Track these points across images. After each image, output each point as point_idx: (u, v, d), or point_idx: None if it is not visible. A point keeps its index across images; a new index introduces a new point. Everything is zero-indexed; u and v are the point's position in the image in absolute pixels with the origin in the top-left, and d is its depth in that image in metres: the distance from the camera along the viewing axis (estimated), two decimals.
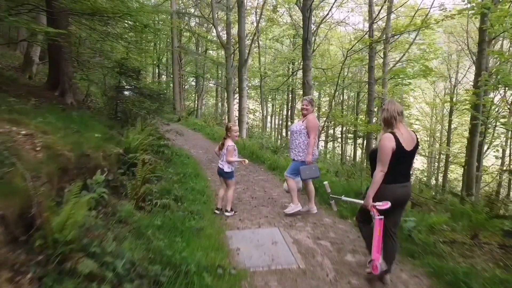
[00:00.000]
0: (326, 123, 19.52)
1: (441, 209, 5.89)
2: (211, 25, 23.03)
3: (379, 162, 3.37)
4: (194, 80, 32.01)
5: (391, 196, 3.41)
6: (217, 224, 4.94)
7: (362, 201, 3.66)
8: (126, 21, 8.20)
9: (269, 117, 36.37)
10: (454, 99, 25.04)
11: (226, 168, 5.65)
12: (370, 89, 16.96)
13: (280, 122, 37.06)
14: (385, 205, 3.40)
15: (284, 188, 6.09)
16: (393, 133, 3.34)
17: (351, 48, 13.28)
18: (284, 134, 33.72)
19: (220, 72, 30.19)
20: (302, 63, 13.26)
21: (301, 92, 28.99)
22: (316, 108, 26.37)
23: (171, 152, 8.37)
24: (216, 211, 5.66)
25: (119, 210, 4.35)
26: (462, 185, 19.76)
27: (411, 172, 3.71)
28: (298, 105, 31.61)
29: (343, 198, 4.14)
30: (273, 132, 36.98)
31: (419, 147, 3.69)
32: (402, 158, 3.37)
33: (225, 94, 21.90)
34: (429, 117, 31.63)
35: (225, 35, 20.52)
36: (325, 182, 4.54)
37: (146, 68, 37.41)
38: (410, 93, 26.24)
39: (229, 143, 5.72)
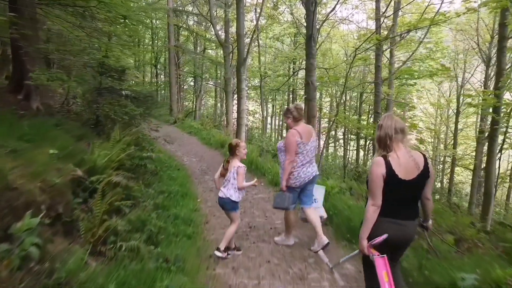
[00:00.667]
0: (331, 125, 18.03)
1: (490, 245, 4.54)
2: (210, 23, 21.64)
3: (369, 193, 2.68)
4: (193, 80, 30.64)
5: (383, 233, 2.63)
6: (200, 280, 3.57)
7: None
8: (103, 13, 6.83)
9: (269, 118, 35.01)
10: (461, 99, 23.91)
11: (235, 197, 4.21)
12: (376, 90, 15.58)
13: (281, 123, 35.71)
14: (381, 237, 2.61)
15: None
16: (385, 157, 2.63)
17: (361, 45, 11.91)
18: (284, 135, 32.39)
19: (219, 72, 28.82)
20: (305, 62, 11.91)
21: (302, 93, 27.74)
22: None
23: (155, 165, 6.99)
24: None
25: (59, 268, 3.00)
26: (471, 190, 18.60)
27: (417, 209, 2.83)
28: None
29: (341, 260, 3.33)
30: (273, 133, 35.64)
31: (430, 176, 2.72)
32: (397, 188, 2.61)
33: (224, 94, 20.64)
34: (433, 118, 30.26)
35: (224, 33, 19.21)
36: (320, 252, 3.57)
37: (144, 68, 36.36)
38: (415, 93, 24.98)
39: (238, 163, 4.28)
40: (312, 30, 11.01)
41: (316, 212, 4.58)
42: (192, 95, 32.48)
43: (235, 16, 15.49)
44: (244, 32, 16.15)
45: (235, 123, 15.73)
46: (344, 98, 27.62)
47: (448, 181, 24.08)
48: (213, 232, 5.00)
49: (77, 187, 4.36)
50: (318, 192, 4.83)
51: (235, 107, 17.14)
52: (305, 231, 4.91)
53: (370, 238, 2.68)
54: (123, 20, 7.13)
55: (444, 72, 15.13)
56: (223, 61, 19.75)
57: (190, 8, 24.75)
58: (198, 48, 28.93)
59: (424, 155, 2.73)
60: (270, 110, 35.13)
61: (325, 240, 4.39)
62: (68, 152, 4.69)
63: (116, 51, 8.05)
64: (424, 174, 2.66)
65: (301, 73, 25.84)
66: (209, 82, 29.78)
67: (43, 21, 8.62)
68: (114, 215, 4.28)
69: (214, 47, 27.65)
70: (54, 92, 10.52)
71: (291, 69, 25.77)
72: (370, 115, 29.56)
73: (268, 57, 29.40)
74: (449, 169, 26.52)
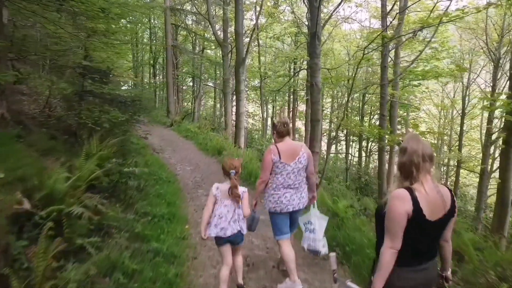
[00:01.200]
0: (337, 129, 16.92)
1: None
2: (208, 22, 20.61)
3: (387, 233, 2.09)
4: (191, 81, 29.59)
5: (402, 285, 2.14)
6: None
7: None
8: (79, 5, 5.82)
9: (269, 119, 33.95)
10: (466, 100, 22.92)
11: (245, 228, 3.51)
12: (382, 92, 14.59)
13: None
14: None
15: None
16: (411, 190, 2.05)
17: (369, 43, 10.91)
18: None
19: (218, 72, 27.77)
20: (306, 62, 10.93)
21: (303, 93, 26.72)
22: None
23: (138, 182, 5.94)
24: None
25: None
26: (479, 195, 17.64)
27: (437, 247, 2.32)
28: (300, 107, 29.28)
29: (348, 283, 2.48)
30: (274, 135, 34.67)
31: (455, 214, 2.21)
32: (422, 230, 2.07)
33: (223, 96, 19.61)
34: (437, 120, 29.24)
35: (222, 32, 18.20)
36: (332, 254, 2.56)
37: (142, 68, 35.41)
38: (419, 94, 24.03)
39: (242, 188, 3.47)
40: (316, 28, 10.06)
41: (290, 247, 3.77)
42: (191, 96, 31.47)
43: (234, 14, 14.52)
44: (244, 31, 15.17)
45: (234, 125, 14.77)
46: (346, 99, 26.63)
47: (453, 184, 23.05)
48: (201, 272, 3.98)
49: (27, 222, 3.38)
50: (319, 221, 3.97)
51: (234, 108, 16.19)
52: (316, 273, 3.91)
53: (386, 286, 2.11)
54: (103, 15, 6.10)
55: (461, 71, 14.17)
56: (222, 61, 18.73)
57: (189, 7, 23.75)
58: (197, 48, 27.90)
59: (450, 190, 2.23)
60: (270, 111, 34.13)
61: (298, 285, 3.66)
62: (20, 175, 3.70)
63: (99, 50, 7.08)
64: (451, 214, 2.17)
65: (302, 74, 24.90)
66: (207, 83, 28.73)
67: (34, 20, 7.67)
68: (72, 259, 3.30)
69: (213, 47, 26.65)
70: (40, 95, 9.57)
71: (292, 70, 24.78)
72: (372, 116, 28.55)
73: (268, 57, 28.38)
74: (453, 172, 25.62)
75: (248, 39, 15.94)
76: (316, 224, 3.87)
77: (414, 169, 2.08)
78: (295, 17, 20.05)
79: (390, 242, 2.07)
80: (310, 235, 3.84)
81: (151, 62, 31.11)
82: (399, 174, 2.19)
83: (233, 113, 17.65)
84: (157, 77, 33.55)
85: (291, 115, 27.52)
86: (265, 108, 29.09)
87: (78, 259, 3.34)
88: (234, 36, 15.27)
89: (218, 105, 30.58)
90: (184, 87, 31.91)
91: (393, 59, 16.05)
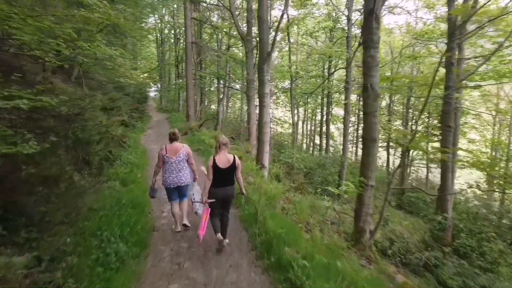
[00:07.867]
0: (404, 154, 12.85)
1: None
2: (230, 14, 17.17)
3: (207, 174, 4.88)
4: (217, 83, 26.23)
5: (215, 195, 4.85)
6: None
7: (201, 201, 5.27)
8: None
9: (300, 123, 30.12)
10: None
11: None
12: (447, 97, 10.56)
13: (313, 128, 30.88)
14: (211, 200, 4.84)
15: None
16: (214, 158, 4.84)
17: (469, 17, 7.08)
18: (317, 141, 27.43)
19: (245, 72, 24.19)
20: (362, 56, 7.28)
21: (337, 95, 22.85)
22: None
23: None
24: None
25: None
26: None
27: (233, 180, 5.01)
28: (334, 111, 25.49)
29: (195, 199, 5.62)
30: (305, 139, 30.85)
31: (236, 166, 4.95)
32: (219, 172, 4.80)
33: (246, 99, 16.15)
34: (491, 126, 24.57)
35: (246, 24, 14.74)
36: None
37: (169, 68, 32.61)
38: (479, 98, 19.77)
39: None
40: (374, 3, 6.50)
41: (176, 206, 5.76)
42: (217, 98, 28.21)
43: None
44: (269, 20, 11.63)
45: (257, 137, 11.21)
46: (422, 110, 22.32)
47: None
48: None
49: None
50: (197, 193, 5.75)
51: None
52: None
53: (209, 195, 4.84)
54: None
55: None
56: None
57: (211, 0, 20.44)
58: (223, 46, 24.51)
59: (234, 156, 4.98)
60: (301, 115, 30.32)
61: (179, 228, 5.71)
62: None
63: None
64: (233, 166, 4.90)
65: (337, 74, 21.19)
66: (232, 85, 25.15)
67: None
68: None
69: (240, 45, 23.25)
70: None
71: (327, 69, 21.02)
72: (413, 121, 24.24)
73: (299, 56, 24.63)
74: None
75: (275, 32, 12.38)
76: (196, 195, 5.68)
77: (218, 149, 4.94)
78: (333, 7, 16.27)
79: (207, 177, 4.83)
80: (195, 202, 5.59)
81: (175, 62, 28.13)
82: (214, 151, 5.07)
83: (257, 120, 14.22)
84: (183, 79, 30.61)
85: (324, 120, 23.76)
86: (295, 111, 25.28)
87: None
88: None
89: (245, 108, 27.17)
90: (212, 89, 28.78)
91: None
